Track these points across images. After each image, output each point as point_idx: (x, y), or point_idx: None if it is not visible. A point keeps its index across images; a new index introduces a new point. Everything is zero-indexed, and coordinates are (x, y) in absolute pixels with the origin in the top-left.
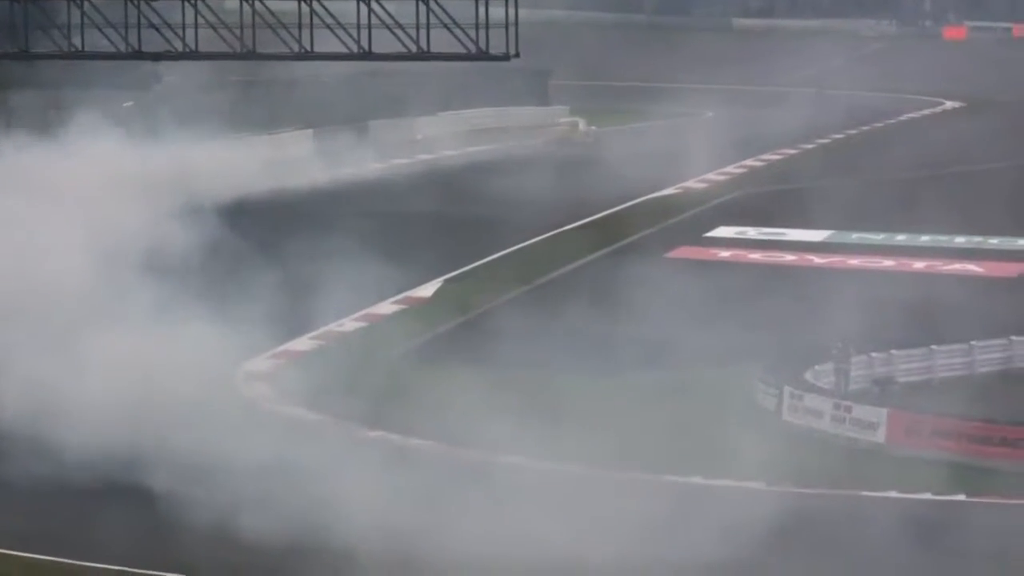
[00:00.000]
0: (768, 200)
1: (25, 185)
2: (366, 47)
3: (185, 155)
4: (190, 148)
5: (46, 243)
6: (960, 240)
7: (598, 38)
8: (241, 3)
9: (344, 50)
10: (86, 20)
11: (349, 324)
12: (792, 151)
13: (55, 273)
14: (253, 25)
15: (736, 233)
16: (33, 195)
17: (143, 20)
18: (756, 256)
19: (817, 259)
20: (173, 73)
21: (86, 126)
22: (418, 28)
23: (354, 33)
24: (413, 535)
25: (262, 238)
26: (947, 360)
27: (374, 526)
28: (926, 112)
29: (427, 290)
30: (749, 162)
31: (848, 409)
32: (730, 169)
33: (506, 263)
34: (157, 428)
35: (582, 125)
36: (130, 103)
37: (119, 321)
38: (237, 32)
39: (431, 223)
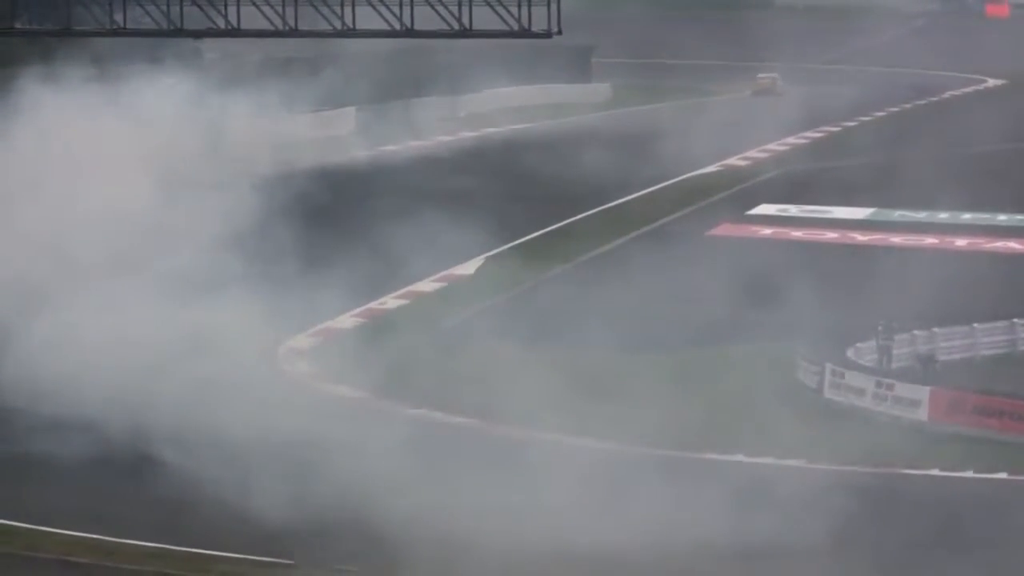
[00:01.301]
0: (810, 178)
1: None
2: (408, 24)
3: (229, 131)
4: (233, 124)
5: (110, 208)
6: (1002, 218)
7: (640, 16)
8: None
9: (386, 27)
10: None
11: (391, 302)
12: (835, 129)
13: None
14: (295, 2)
15: (778, 211)
16: (84, 162)
17: None
18: (798, 234)
19: (859, 237)
20: (215, 50)
21: (132, 101)
22: (460, 5)
23: (396, 10)
24: (446, 513)
25: (301, 216)
26: (989, 338)
27: (409, 504)
28: (968, 90)
29: (469, 268)
30: (791, 139)
31: (890, 387)
32: (772, 146)
33: (548, 241)
34: (202, 405)
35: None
36: (172, 80)
37: (179, 290)
38: (279, 9)
39: (471, 199)
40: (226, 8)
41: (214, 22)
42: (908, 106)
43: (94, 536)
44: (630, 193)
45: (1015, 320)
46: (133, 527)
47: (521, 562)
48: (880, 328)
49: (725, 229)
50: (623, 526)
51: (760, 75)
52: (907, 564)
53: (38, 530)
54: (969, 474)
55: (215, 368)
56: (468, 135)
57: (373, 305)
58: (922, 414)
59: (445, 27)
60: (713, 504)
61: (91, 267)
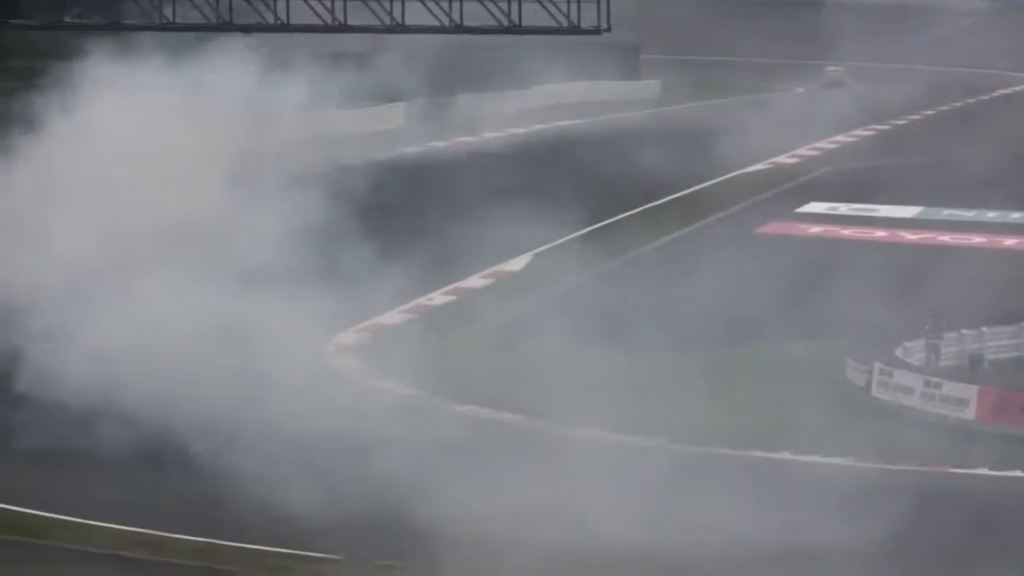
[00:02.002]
0: (859, 176)
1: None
2: (458, 20)
3: (279, 126)
4: (283, 119)
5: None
6: None
7: (689, 14)
8: None
9: (435, 23)
10: None
11: (439, 298)
12: (883, 127)
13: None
14: None
15: (827, 209)
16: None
17: None
18: (847, 232)
19: (908, 235)
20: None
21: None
22: (509, 1)
23: (445, 6)
24: (491, 511)
25: (349, 212)
26: None
27: (455, 502)
28: (1019, 88)
29: (517, 264)
30: (840, 137)
31: (938, 386)
32: (821, 144)
33: (596, 237)
34: (247, 401)
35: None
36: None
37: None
38: (328, 4)
39: (520, 196)
40: (275, 3)
41: (263, 17)
42: (958, 104)
43: (144, 530)
44: (678, 190)
45: None
46: (180, 522)
47: (565, 562)
48: (928, 327)
49: (774, 227)
50: (668, 525)
51: (829, 68)
52: (954, 563)
53: (89, 524)
54: (1018, 473)
55: (262, 364)
56: (516, 131)
57: (421, 301)
58: (970, 413)
59: (494, 23)
60: (758, 503)
61: (140, 260)
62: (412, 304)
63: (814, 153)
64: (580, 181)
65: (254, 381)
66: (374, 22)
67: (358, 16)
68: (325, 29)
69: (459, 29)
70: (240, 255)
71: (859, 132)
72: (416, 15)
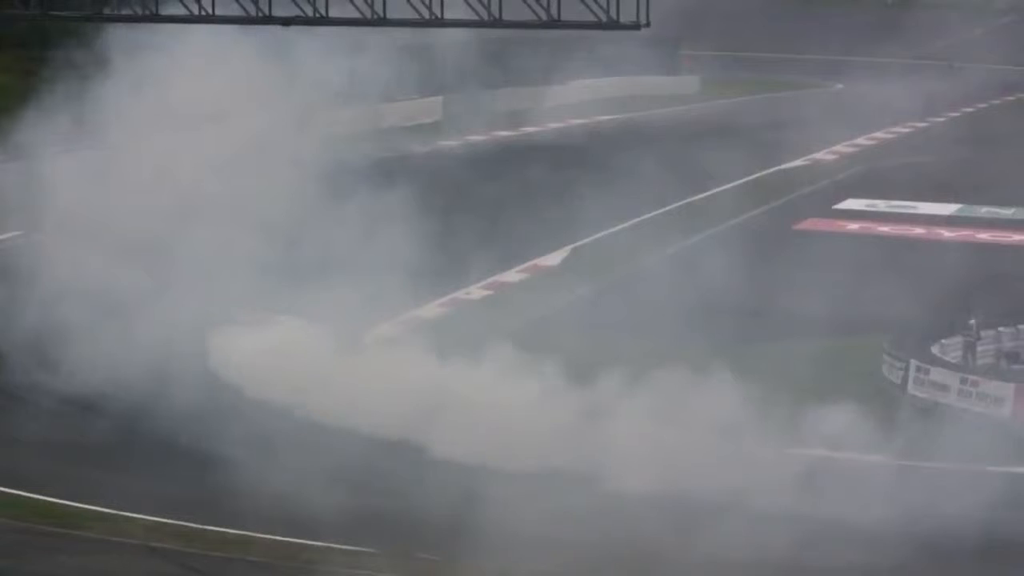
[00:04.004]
0: (898, 173)
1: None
2: (496, 14)
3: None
4: (319, 110)
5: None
6: None
7: (727, 10)
8: None
9: (474, 17)
10: None
11: (476, 292)
12: (923, 124)
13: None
14: None
15: (866, 205)
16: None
17: None
18: (885, 229)
19: (946, 233)
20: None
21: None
22: None
23: (484, 0)
24: (526, 504)
25: (386, 205)
26: None
27: (489, 495)
28: None
29: (554, 259)
30: (879, 134)
31: (975, 384)
32: (860, 141)
33: (633, 233)
34: (283, 391)
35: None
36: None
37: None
38: None
39: (557, 190)
40: None
41: (302, 10)
42: (996, 102)
43: (176, 522)
44: (715, 187)
45: None
46: (213, 514)
47: (594, 555)
48: (965, 325)
49: (812, 223)
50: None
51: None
52: (987, 561)
53: (122, 515)
54: None
55: (297, 357)
56: (554, 126)
57: (458, 295)
58: (1006, 411)
59: (533, 17)
60: (795, 499)
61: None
62: (449, 298)
63: (852, 150)
64: (617, 177)
65: (286, 373)
66: (413, 16)
67: (398, 9)
68: (364, 23)
69: (497, 23)
70: (274, 246)
71: (897, 129)
72: (455, 9)
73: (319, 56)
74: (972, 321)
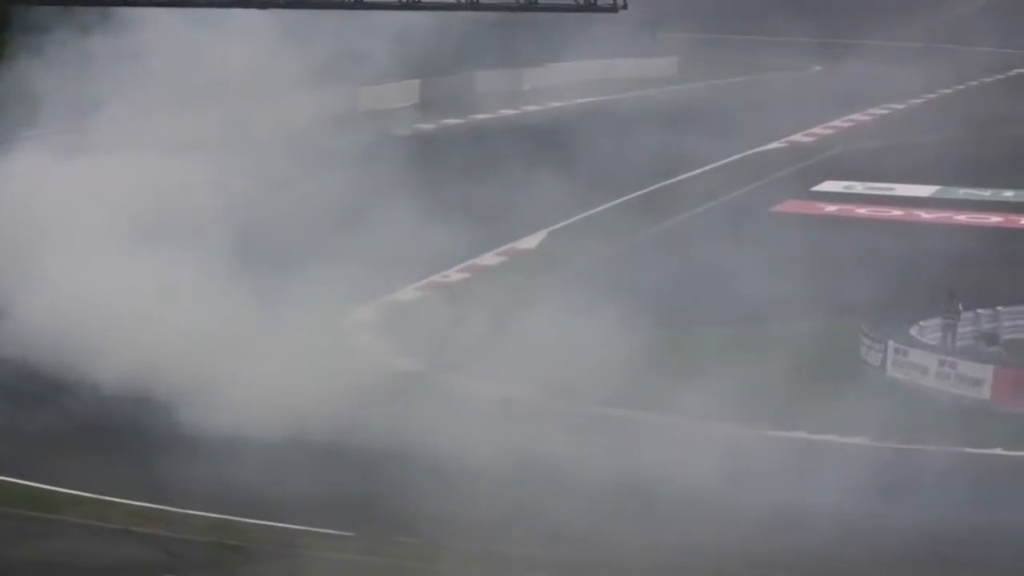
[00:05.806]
0: (876, 155)
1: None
2: None
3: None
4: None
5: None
6: None
7: None
8: None
9: (450, 0)
10: None
11: (454, 275)
12: (900, 106)
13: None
14: None
15: (843, 188)
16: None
17: None
18: (863, 211)
19: (924, 214)
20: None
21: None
22: None
23: None
24: (503, 487)
25: (363, 189)
26: None
27: (466, 479)
28: None
29: (531, 242)
30: (856, 116)
31: (953, 365)
32: (837, 123)
33: (611, 216)
34: (259, 375)
35: None
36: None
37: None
38: None
39: (535, 173)
40: None
41: None
42: (974, 83)
43: (158, 506)
44: (694, 168)
45: None
46: (189, 498)
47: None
48: (944, 306)
49: (790, 205)
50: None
51: None
52: (966, 541)
53: (102, 499)
54: None
55: (276, 340)
56: (532, 109)
57: (436, 278)
58: (985, 393)
59: (509, 1)
60: (776, 482)
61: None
62: (427, 281)
63: (830, 132)
64: (595, 159)
65: (264, 356)
66: None
67: None
68: (339, 5)
69: (473, 6)
70: (259, 231)
71: (875, 111)
72: None
73: (292, 37)
74: (959, 304)
